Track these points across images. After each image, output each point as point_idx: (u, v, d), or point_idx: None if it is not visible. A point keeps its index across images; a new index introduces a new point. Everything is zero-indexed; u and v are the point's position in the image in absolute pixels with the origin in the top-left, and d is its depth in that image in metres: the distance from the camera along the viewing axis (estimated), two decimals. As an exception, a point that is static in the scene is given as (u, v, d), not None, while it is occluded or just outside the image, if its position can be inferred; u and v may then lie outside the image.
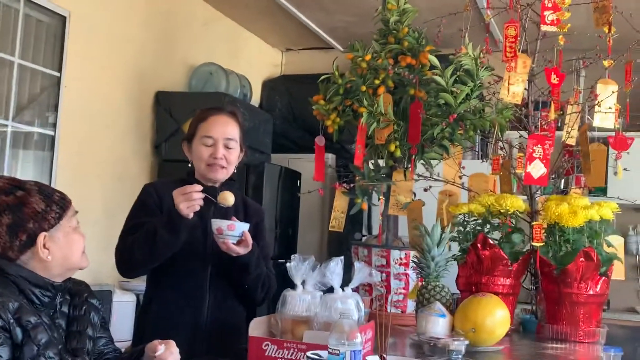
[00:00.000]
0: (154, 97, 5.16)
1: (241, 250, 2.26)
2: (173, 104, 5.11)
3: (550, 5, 2.52)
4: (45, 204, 1.76)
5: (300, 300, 2.01)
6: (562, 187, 3.34)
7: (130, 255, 2.30)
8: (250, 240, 2.26)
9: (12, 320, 1.62)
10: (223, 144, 2.42)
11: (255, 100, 6.49)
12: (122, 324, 4.07)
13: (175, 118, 5.03)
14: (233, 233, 2.21)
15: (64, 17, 4.25)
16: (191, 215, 2.19)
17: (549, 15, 2.53)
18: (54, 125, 4.24)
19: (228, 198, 2.26)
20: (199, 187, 2.20)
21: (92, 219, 4.35)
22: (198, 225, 2.31)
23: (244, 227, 2.25)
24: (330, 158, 6.04)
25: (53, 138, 4.23)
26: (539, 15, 2.54)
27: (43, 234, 1.74)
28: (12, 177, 1.84)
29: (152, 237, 2.23)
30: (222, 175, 2.43)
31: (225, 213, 2.32)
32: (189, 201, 2.16)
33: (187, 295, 2.36)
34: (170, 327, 2.31)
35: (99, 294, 3.91)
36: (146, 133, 5.11)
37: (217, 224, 2.23)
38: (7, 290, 1.69)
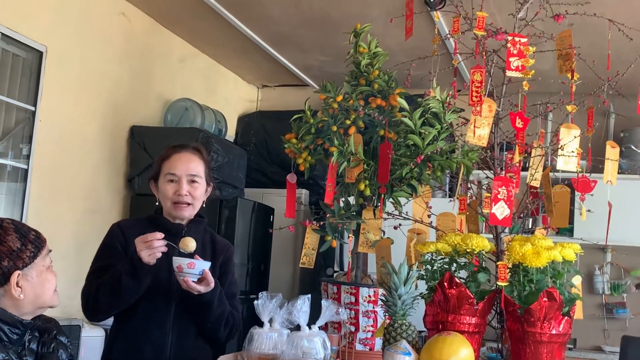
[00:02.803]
0: (129, 131, 5.19)
1: (202, 289, 2.27)
2: (148, 138, 5.13)
3: (515, 52, 2.61)
4: (21, 243, 1.78)
5: (267, 338, 2.03)
6: (530, 226, 3.41)
7: (95, 302, 2.32)
8: (211, 279, 2.28)
9: (-20, 357, 1.63)
10: (187, 181, 2.44)
11: (230, 135, 6.54)
12: (90, 358, 4.03)
13: (149, 152, 5.06)
14: (192, 271, 2.23)
15: (41, 52, 4.29)
16: (153, 262, 2.21)
17: (514, 62, 2.61)
18: (28, 157, 4.25)
19: (189, 244, 2.28)
20: (160, 235, 2.22)
21: (63, 251, 4.34)
22: (163, 265, 2.32)
23: (204, 265, 2.26)
24: (303, 194, 6.08)
25: (26, 170, 4.23)
26: (505, 61, 2.63)
27: (17, 272, 1.76)
28: None
29: (116, 285, 2.25)
30: (188, 212, 2.46)
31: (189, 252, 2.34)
32: (150, 249, 2.19)
33: (149, 332, 2.38)
34: (133, 363, 2.32)
35: (68, 328, 3.91)
36: (120, 167, 5.13)
37: (177, 261, 2.25)
38: (-24, 326, 1.70)
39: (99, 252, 2.46)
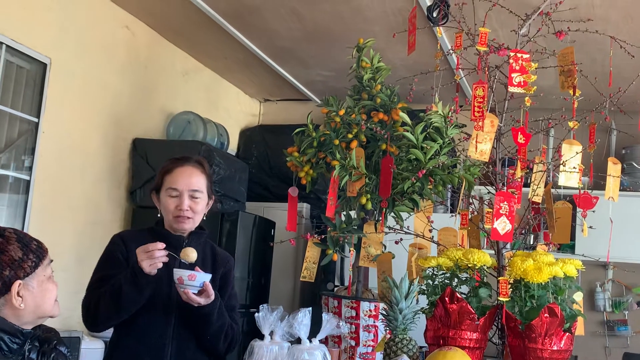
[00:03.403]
0: (131, 144, 5.20)
1: (202, 301, 2.27)
2: (150, 151, 5.14)
3: (517, 68, 2.62)
4: (23, 253, 1.78)
5: (268, 350, 2.03)
6: (531, 242, 3.40)
7: (96, 312, 2.32)
8: (211, 291, 2.28)
9: (-20, 366, 1.63)
10: (188, 195, 2.45)
11: (232, 149, 6.55)
12: (89, 371, 4.02)
13: (151, 165, 5.06)
14: (193, 283, 2.23)
15: (45, 64, 4.30)
16: (154, 272, 2.21)
17: (516, 78, 2.62)
18: (30, 169, 4.25)
19: (190, 254, 2.28)
20: (162, 245, 2.22)
21: (64, 264, 4.33)
22: (163, 276, 2.31)
23: (205, 277, 2.27)
24: (304, 208, 6.08)
25: (28, 182, 4.24)
26: (507, 76, 2.64)
27: (18, 282, 1.76)
28: None
29: (116, 295, 2.25)
30: (188, 225, 2.46)
31: (191, 263, 2.34)
32: (151, 259, 2.19)
33: (148, 344, 2.37)
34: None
35: (68, 340, 3.90)
36: (121, 179, 5.13)
37: (178, 273, 2.25)
38: (-24, 335, 1.70)
39: (100, 262, 2.46)
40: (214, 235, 5.04)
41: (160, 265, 2.21)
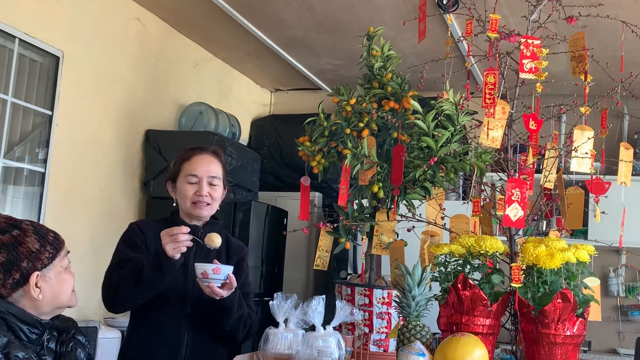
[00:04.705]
0: (144, 135, 5.23)
1: (225, 293, 2.28)
2: (163, 142, 5.17)
3: (528, 54, 2.61)
4: (40, 244, 1.81)
5: (283, 338, 2.05)
6: (544, 229, 3.40)
7: (115, 292, 2.33)
8: (234, 283, 2.29)
9: (0, 356, 1.66)
10: (207, 182, 2.48)
11: (244, 139, 6.57)
12: (106, 360, 4.07)
13: (164, 156, 5.10)
14: (218, 277, 2.23)
15: (57, 57, 4.33)
16: (177, 256, 2.22)
17: (527, 64, 2.61)
18: (45, 161, 4.30)
19: (215, 240, 2.29)
20: (186, 229, 2.23)
21: (79, 255, 4.38)
22: (179, 266, 2.32)
23: (229, 270, 2.27)
24: (317, 197, 6.10)
25: (43, 174, 4.28)
26: (518, 63, 2.63)
27: (36, 273, 1.78)
28: (8, 216, 1.89)
29: (137, 276, 2.26)
30: (207, 212, 2.49)
31: (207, 254, 2.35)
32: (175, 242, 2.20)
33: (164, 334, 2.39)
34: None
35: (85, 330, 3.95)
36: (135, 170, 5.17)
37: (202, 267, 2.24)
38: (-4, 326, 1.73)
39: (119, 247, 2.48)
40: (227, 225, 5.07)
41: (184, 249, 2.21)
